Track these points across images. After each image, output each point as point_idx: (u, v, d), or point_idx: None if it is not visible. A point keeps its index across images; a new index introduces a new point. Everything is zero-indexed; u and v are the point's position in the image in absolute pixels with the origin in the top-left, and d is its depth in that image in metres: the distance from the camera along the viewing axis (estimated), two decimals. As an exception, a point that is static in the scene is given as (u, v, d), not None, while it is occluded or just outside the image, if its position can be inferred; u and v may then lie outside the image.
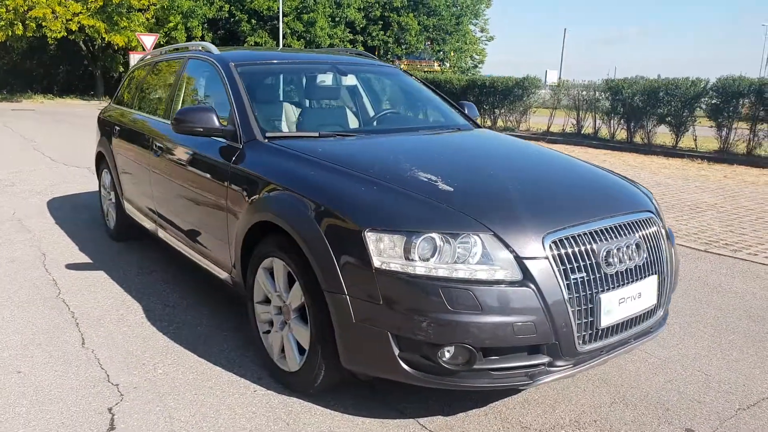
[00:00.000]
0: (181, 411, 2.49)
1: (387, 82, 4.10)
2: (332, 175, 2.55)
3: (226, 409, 2.51)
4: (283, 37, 29.18)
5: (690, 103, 11.90)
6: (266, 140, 2.99)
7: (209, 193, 3.14)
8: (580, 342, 2.19)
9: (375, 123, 3.69)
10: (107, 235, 5.07)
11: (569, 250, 2.20)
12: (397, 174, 2.54)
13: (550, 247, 2.17)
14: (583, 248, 2.23)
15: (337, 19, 31.20)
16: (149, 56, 4.97)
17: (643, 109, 12.60)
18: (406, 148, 3.10)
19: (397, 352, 2.18)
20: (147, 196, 4.02)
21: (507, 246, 2.14)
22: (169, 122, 3.78)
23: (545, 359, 2.17)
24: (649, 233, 2.48)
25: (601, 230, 2.31)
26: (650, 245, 2.45)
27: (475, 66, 39.14)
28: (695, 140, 12.05)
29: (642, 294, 2.38)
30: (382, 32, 33.00)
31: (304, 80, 3.78)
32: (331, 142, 3.03)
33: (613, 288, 2.26)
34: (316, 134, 3.13)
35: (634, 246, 2.37)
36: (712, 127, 11.79)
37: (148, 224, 4.08)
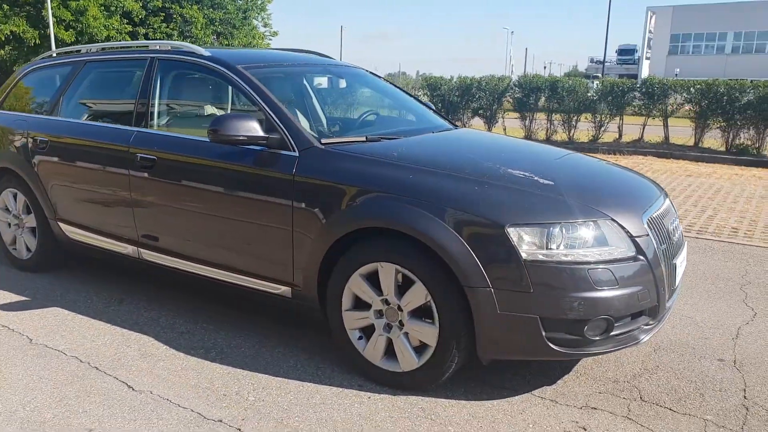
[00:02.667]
0: None
1: (366, 84, 4.15)
2: (437, 177, 2.65)
3: (360, 419, 2.49)
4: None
5: (499, 98, 13.54)
6: (323, 146, 2.94)
7: (257, 206, 2.97)
8: (666, 302, 2.66)
9: (380, 125, 3.75)
10: (15, 267, 4.29)
11: (655, 226, 2.65)
12: (492, 172, 2.75)
13: (648, 224, 2.60)
14: (660, 224, 2.70)
15: (112, 8, 28.47)
16: (55, 56, 4.30)
17: (459, 104, 13.98)
18: (459, 146, 3.30)
19: (544, 333, 2.41)
20: (119, 217, 3.55)
21: (623, 228, 2.51)
22: (160, 132, 3.44)
23: (646, 320, 2.59)
24: (674, 210, 3.07)
25: (661, 209, 2.81)
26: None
27: (263, 62, 38.83)
28: (505, 130, 13.73)
29: (684, 259, 2.94)
30: (164, 24, 30.96)
31: (306, 84, 3.70)
32: (391, 145, 3.08)
33: (677, 254, 2.78)
34: (363, 138, 3.15)
35: (677, 221, 2.92)
36: (517, 118, 13.58)
37: (120, 247, 3.61)
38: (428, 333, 2.58)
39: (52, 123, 3.95)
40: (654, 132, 12.40)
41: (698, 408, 2.59)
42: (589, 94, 12.81)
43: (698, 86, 11.48)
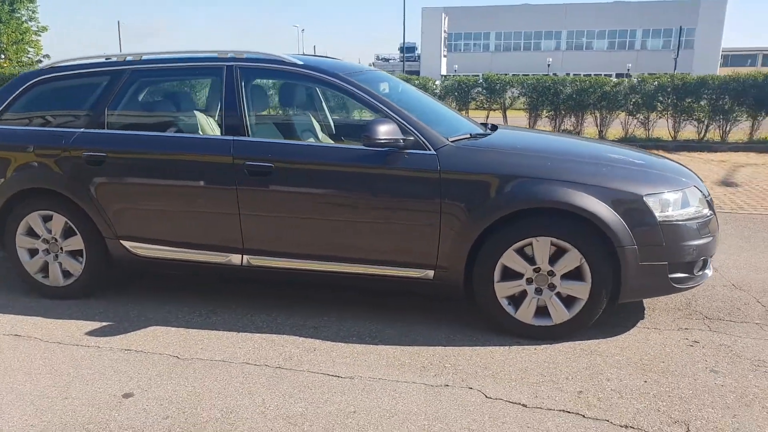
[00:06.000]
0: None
1: (408, 89, 4.54)
2: (570, 162, 3.32)
3: (548, 364, 3.03)
4: None
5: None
6: (453, 144, 3.38)
7: (399, 202, 3.31)
8: (714, 250, 3.63)
9: (451, 124, 4.17)
10: (48, 297, 3.91)
11: None
12: (602, 156, 3.52)
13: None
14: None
15: None
16: (67, 66, 3.96)
17: (316, 102, 14.44)
18: (547, 139, 4.01)
19: (669, 275, 3.20)
20: (218, 226, 3.54)
21: (701, 191, 3.41)
22: (272, 140, 3.56)
23: (708, 260, 3.53)
24: None
25: None
26: None
27: (40, 60, 35.01)
28: (362, 126, 14.57)
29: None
30: None
31: (384, 89, 3.99)
32: (502, 138, 3.71)
33: None
34: (468, 135, 3.64)
35: None
36: (370, 116, 14.47)
37: (220, 257, 3.59)
38: (581, 289, 3.21)
39: (109, 137, 3.70)
40: (495, 122, 14.19)
41: (745, 316, 3.60)
42: (436, 91, 14.18)
43: (530, 81, 13.46)
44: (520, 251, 3.24)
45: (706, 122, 12.62)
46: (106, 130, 3.73)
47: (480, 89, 13.94)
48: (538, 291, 3.27)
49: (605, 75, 14.55)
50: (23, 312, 3.71)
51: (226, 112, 3.57)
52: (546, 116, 13.55)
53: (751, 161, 10.44)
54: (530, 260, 3.24)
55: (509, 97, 13.89)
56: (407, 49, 70.23)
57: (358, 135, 4.30)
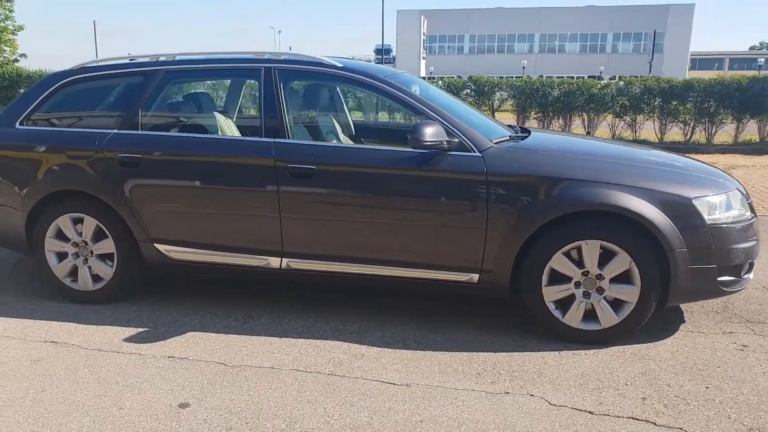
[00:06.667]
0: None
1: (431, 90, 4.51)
2: (615, 165, 3.33)
3: (601, 368, 3.02)
4: None
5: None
6: (497, 145, 3.36)
7: (446, 204, 3.28)
8: (754, 254, 3.66)
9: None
10: (77, 301, 3.78)
11: None
12: (645, 159, 3.52)
13: (748, 194, 3.58)
14: None
15: None
16: (98, 66, 3.84)
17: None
18: (583, 141, 3.99)
19: (718, 278, 3.22)
20: (256, 229, 3.47)
21: (744, 194, 3.44)
22: (316, 143, 3.51)
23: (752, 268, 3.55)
24: None
25: None
26: None
27: (16, 60, 34.14)
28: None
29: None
30: None
31: (416, 91, 3.94)
32: (541, 141, 3.71)
33: None
34: (508, 137, 3.62)
35: None
36: (360, 117, 14.42)
37: (257, 260, 3.51)
38: (630, 293, 3.21)
39: (144, 138, 3.58)
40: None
41: (782, 319, 3.65)
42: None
43: (518, 84, 13.55)
44: (568, 254, 3.23)
45: (692, 124, 12.84)
46: (140, 131, 3.62)
47: (469, 91, 13.98)
48: (586, 295, 3.26)
49: (578, 77, 14.74)
50: (55, 318, 3.58)
51: (266, 114, 3.48)
52: (534, 117, 13.65)
53: (740, 163, 10.64)
54: (578, 263, 3.23)
55: (498, 99, 13.95)
56: (383, 51, 70.52)
57: (392, 137, 4.29)
